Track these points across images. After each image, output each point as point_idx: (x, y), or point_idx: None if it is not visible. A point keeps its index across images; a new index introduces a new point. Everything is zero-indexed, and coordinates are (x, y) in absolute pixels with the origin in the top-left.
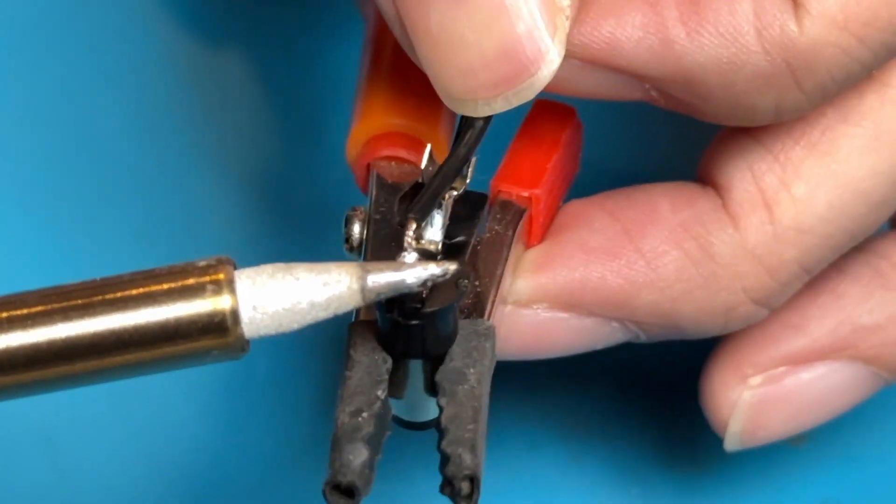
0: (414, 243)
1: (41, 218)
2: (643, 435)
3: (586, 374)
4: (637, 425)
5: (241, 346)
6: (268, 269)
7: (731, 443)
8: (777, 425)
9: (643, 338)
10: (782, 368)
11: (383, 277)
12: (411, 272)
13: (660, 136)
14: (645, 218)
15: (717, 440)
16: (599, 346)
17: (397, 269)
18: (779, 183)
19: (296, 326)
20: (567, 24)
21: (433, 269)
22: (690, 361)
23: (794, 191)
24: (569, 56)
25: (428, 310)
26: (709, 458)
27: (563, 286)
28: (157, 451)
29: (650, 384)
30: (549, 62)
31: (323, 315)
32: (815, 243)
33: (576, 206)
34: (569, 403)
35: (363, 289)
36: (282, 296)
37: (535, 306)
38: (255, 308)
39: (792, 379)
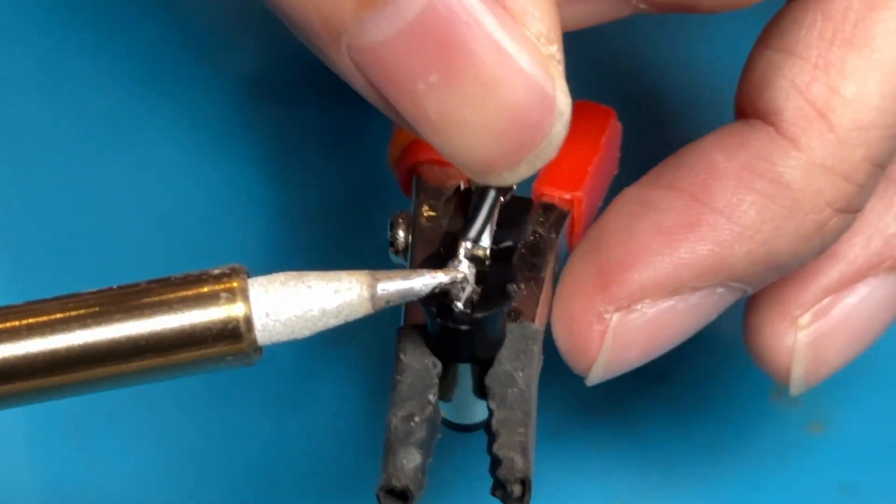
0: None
1: (62, 206)
2: (663, 421)
3: None
4: (657, 411)
5: (255, 352)
6: (280, 277)
7: (798, 386)
8: (837, 356)
9: (750, 291)
10: (827, 300)
11: (393, 285)
12: (420, 280)
13: (698, 134)
14: (706, 177)
15: (737, 425)
16: (714, 316)
17: (406, 277)
18: (826, 89)
19: (307, 333)
20: (560, 68)
21: (441, 277)
22: (709, 345)
23: (844, 92)
24: None
25: (477, 315)
26: (727, 443)
27: (658, 276)
28: (185, 437)
29: (669, 370)
30: (559, 115)
31: (334, 322)
32: (879, 135)
33: (632, 192)
34: (590, 391)
35: (373, 296)
36: (294, 303)
37: (638, 307)
38: (268, 315)
39: (840, 307)
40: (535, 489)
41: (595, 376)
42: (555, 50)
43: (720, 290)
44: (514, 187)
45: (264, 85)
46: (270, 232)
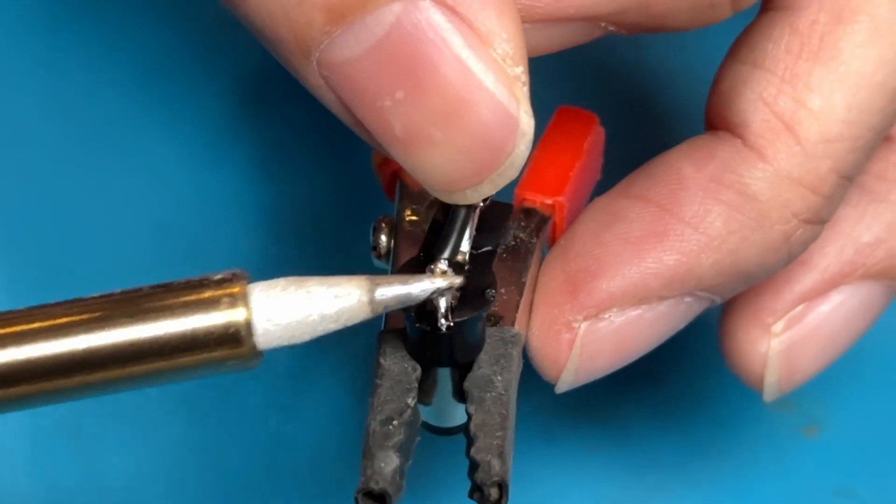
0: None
1: (60, 209)
2: (657, 424)
3: None
4: (651, 413)
5: (255, 356)
6: (281, 282)
7: (771, 393)
8: (810, 363)
9: (719, 301)
10: (801, 307)
11: (391, 290)
12: (418, 285)
13: (681, 140)
14: (673, 187)
15: (731, 428)
16: (681, 325)
17: (404, 283)
18: (793, 102)
19: (307, 338)
20: (525, 89)
21: (439, 283)
22: (702, 347)
23: (810, 105)
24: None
25: (456, 320)
26: (722, 447)
27: (625, 285)
28: (183, 442)
29: (663, 372)
30: (522, 135)
31: (333, 327)
32: (846, 148)
33: (602, 202)
34: (582, 393)
35: (372, 301)
36: (294, 308)
37: (606, 315)
38: (268, 320)
39: (812, 315)
40: (530, 493)
41: (564, 384)
42: (520, 71)
43: (688, 299)
44: (494, 193)
45: (257, 90)
46: (259, 236)
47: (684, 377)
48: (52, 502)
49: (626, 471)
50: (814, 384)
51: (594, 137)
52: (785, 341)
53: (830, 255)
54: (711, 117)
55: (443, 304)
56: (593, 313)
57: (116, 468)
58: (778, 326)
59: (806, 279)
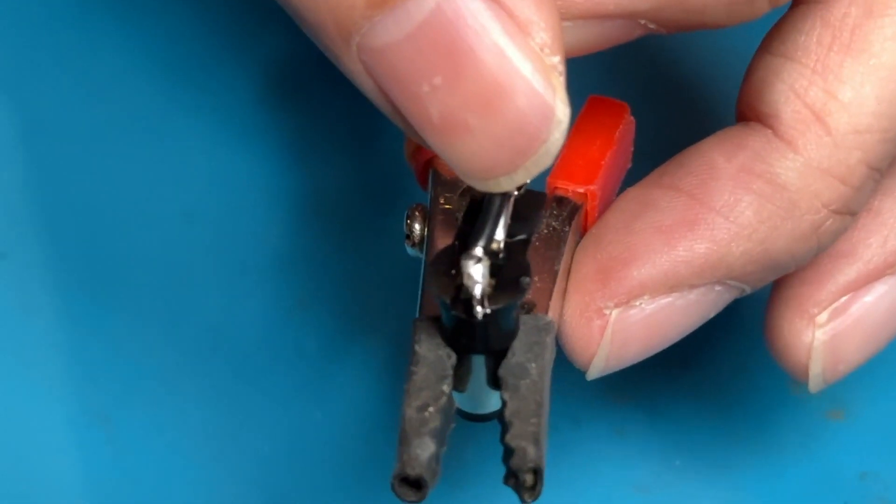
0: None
1: (87, 196)
2: (684, 408)
3: None
4: (678, 398)
5: None
6: None
7: (816, 384)
8: (855, 354)
9: (748, 290)
10: (845, 298)
11: None
12: None
13: (710, 129)
14: (704, 177)
15: (758, 412)
16: (711, 314)
17: None
18: (824, 94)
19: None
20: (562, 79)
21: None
22: (730, 332)
23: (840, 96)
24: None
25: (491, 307)
26: (748, 430)
27: (656, 273)
28: (211, 428)
29: (690, 357)
30: (557, 124)
31: None
32: (875, 139)
33: (634, 192)
34: (609, 378)
35: None
36: None
37: (637, 303)
38: None
39: (857, 305)
40: (558, 476)
41: (595, 370)
42: (557, 61)
43: (718, 288)
44: (528, 182)
45: (287, 78)
46: (289, 224)
47: (711, 362)
48: (84, 489)
49: (654, 454)
50: None
51: (625, 126)
52: (829, 332)
53: (874, 246)
54: (743, 108)
55: (478, 291)
56: (624, 301)
57: (145, 455)
58: (822, 317)
59: (850, 270)
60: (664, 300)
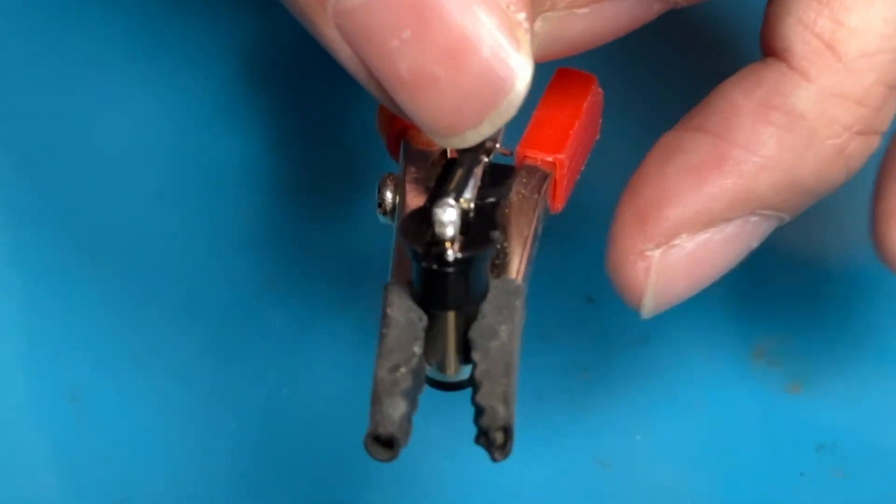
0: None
1: (58, 176)
2: (645, 383)
3: (590, 326)
4: (639, 373)
5: None
6: None
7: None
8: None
9: (787, 217)
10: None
11: None
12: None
13: (680, 101)
14: (727, 115)
15: (717, 387)
16: (754, 244)
17: None
18: (831, 22)
19: None
20: (528, 36)
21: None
22: (690, 307)
23: (847, 23)
24: (579, 6)
25: (462, 255)
26: (708, 405)
27: (690, 211)
28: (185, 403)
29: (651, 333)
30: (521, 77)
31: None
32: (888, 59)
33: (666, 138)
34: (571, 353)
35: None
36: None
37: (677, 242)
38: None
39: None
40: (520, 452)
41: (647, 310)
42: (522, 17)
43: (753, 219)
44: (497, 146)
45: (256, 58)
46: (264, 197)
47: (671, 336)
48: (54, 467)
49: (614, 429)
50: (799, 343)
51: (593, 98)
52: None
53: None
54: (763, 46)
55: (449, 232)
56: (664, 241)
57: (114, 433)
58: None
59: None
60: (702, 237)
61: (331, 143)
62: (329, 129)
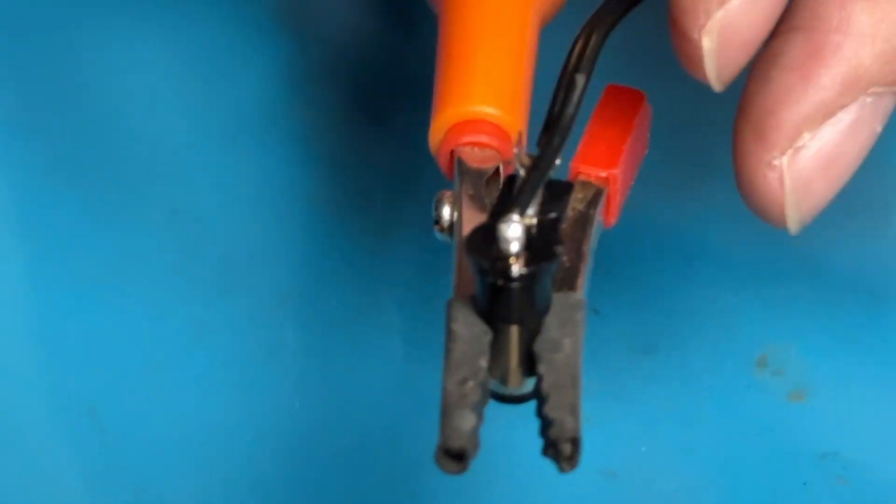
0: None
1: (75, 191)
2: (650, 395)
3: (595, 338)
4: (644, 385)
5: None
6: None
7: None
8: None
9: None
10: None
11: None
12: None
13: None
14: (812, 6)
15: (722, 398)
16: (879, 127)
17: None
18: None
19: None
20: None
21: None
22: (694, 319)
23: None
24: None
25: (527, 269)
26: (712, 415)
27: (804, 108)
28: (196, 420)
29: (656, 344)
30: None
31: None
32: None
33: (763, 52)
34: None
35: None
36: None
37: (800, 143)
38: None
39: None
40: (526, 464)
41: (793, 222)
42: None
43: (869, 100)
44: (558, 161)
45: (278, 77)
46: (279, 212)
47: (675, 347)
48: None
49: (620, 441)
50: (802, 352)
51: (643, 113)
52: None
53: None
54: None
55: (514, 248)
56: (787, 146)
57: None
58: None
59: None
60: (825, 130)
61: (346, 158)
62: (344, 150)
